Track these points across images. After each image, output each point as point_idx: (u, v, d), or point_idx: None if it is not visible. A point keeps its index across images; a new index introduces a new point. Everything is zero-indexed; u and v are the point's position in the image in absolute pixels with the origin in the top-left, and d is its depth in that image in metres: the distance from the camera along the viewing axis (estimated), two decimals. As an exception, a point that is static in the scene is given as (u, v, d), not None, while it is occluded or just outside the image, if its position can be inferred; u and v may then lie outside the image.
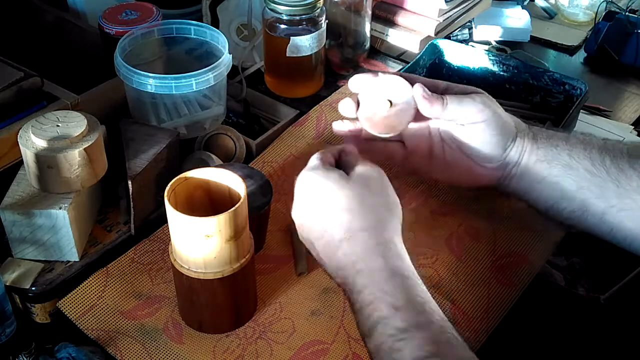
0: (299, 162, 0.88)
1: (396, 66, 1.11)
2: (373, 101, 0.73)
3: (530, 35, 1.23)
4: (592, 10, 1.28)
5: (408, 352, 0.54)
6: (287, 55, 0.97)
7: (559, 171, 0.72)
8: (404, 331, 0.55)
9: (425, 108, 0.71)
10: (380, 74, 0.74)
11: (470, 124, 0.72)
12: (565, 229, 0.79)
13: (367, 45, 1.11)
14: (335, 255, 0.63)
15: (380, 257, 0.61)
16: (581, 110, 0.99)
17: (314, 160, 0.68)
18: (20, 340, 0.68)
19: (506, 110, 0.98)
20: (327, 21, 0.99)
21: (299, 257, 0.76)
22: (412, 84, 0.72)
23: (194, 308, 0.68)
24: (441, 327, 0.57)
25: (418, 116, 0.73)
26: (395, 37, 1.13)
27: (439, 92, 0.73)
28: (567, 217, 0.74)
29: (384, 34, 1.13)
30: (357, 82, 0.74)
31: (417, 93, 0.71)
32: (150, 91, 0.81)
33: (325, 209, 0.64)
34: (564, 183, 0.72)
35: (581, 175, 0.71)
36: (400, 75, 0.74)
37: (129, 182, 0.73)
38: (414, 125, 0.75)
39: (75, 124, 0.71)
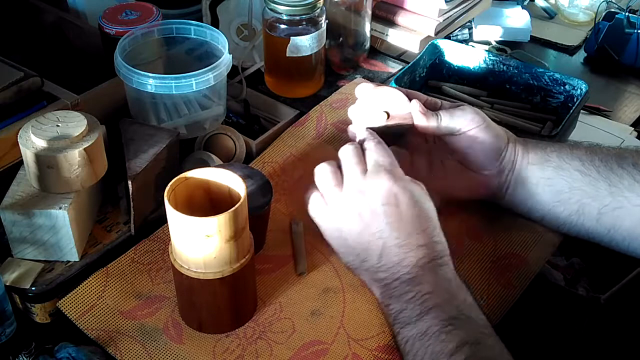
0: (299, 162, 0.88)
1: (396, 66, 1.11)
2: (371, 111, 0.75)
3: (530, 35, 1.24)
4: (592, 10, 1.28)
5: (457, 335, 0.60)
6: (287, 55, 0.97)
7: (551, 173, 0.74)
8: (454, 318, 0.62)
9: (421, 123, 0.74)
10: (381, 86, 0.76)
11: (465, 132, 0.75)
12: (564, 234, 0.79)
13: (367, 45, 1.11)
14: (399, 254, 0.66)
15: (450, 264, 0.67)
16: (581, 111, 0.99)
17: (397, 168, 0.68)
18: (20, 340, 0.68)
19: (506, 110, 0.99)
20: (327, 21, 0.99)
21: (299, 257, 0.76)
22: (411, 100, 0.75)
23: (194, 308, 0.68)
24: (484, 320, 0.63)
25: (416, 131, 0.75)
26: (395, 37, 1.13)
27: (436, 109, 0.76)
28: (563, 222, 0.75)
29: (384, 34, 1.13)
30: (359, 91, 0.76)
31: (414, 109, 0.73)
32: (150, 91, 0.81)
33: (415, 218, 0.66)
34: (557, 185, 0.74)
35: (573, 175, 0.73)
36: (401, 91, 0.76)
37: (129, 182, 0.73)
38: (412, 140, 0.76)
39: (75, 124, 0.71)
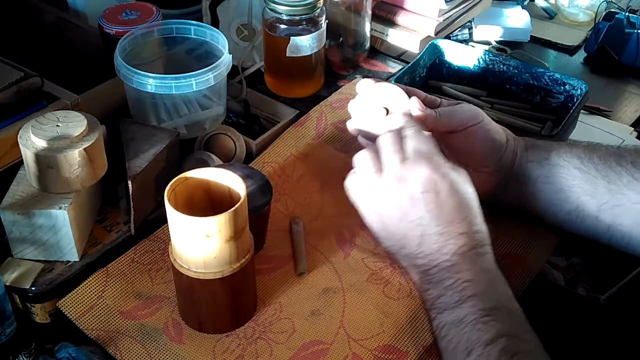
0: (299, 162, 0.88)
1: (396, 66, 1.11)
2: (370, 107, 0.75)
3: (530, 35, 1.24)
4: (592, 10, 1.28)
5: (494, 326, 0.60)
6: (287, 55, 0.97)
7: (550, 171, 0.74)
8: (493, 309, 0.61)
9: (420, 120, 0.73)
10: (381, 82, 0.76)
11: (464, 129, 0.75)
12: (563, 234, 0.79)
13: (367, 45, 1.11)
14: (439, 241, 0.65)
15: (490, 253, 0.67)
16: (581, 111, 0.99)
17: (437, 155, 0.67)
18: (20, 340, 0.68)
19: (506, 110, 0.99)
20: (327, 21, 0.99)
21: (299, 257, 0.76)
22: (410, 97, 0.74)
23: (194, 308, 0.68)
24: (521, 313, 0.63)
25: None
26: (395, 37, 1.13)
27: (435, 107, 0.75)
28: (563, 220, 0.75)
29: (384, 34, 1.13)
30: (360, 87, 0.76)
31: (412, 106, 0.73)
32: (150, 91, 0.81)
33: (458, 204, 0.66)
34: (556, 183, 0.74)
35: (571, 173, 0.73)
36: (401, 88, 0.75)
37: (129, 182, 0.73)
38: None
39: (75, 124, 0.71)
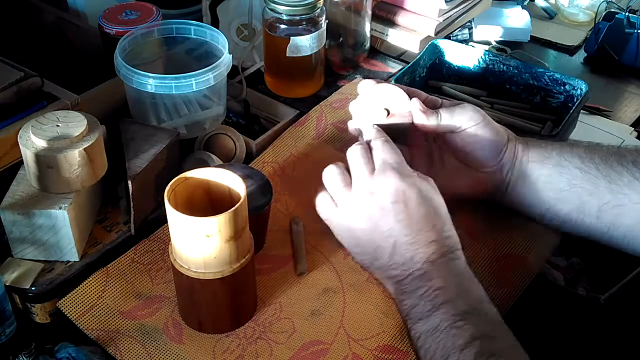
0: (299, 162, 0.88)
1: (396, 66, 1.11)
2: (371, 108, 0.75)
3: (530, 35, 1.24)
4: (592, 10, 1.28)
5: (467, 330, 0.60)
6: (287, 55, 0.97)
7: (551, 170, 0.74)
8: (466, 312, 0.62)
9: (421, 121, 0.74)
10: (382, 83, 0.76)
11: (464, 129, 0.75)
12: (564, 234, 0.79)
13: (367, 45, 1.11)
14: (410, 250, 0.66)
15: (461, 258, 0.68)
16: (581, 111, 0.99)
17: (404, 165, 0.69)
18: (20, 340, 0.68)
19: (506, 110, 0.99)
20: (327, 21, 0.99)
21: (299, 257, 0.76)
22: (411, 98, 0.75)
23: (194, 308, 0.68)
24: (496, 313, 0.64)
25: (416, 129, 0.75)
26: (395, 37, 1.13)
27: (436, 107, 0.76)
28: (564, 220, 0.75)
29: (384, 34, 1.13)
30: (361, 87, 0.76)
31: (414, 107, 0.74)
32: (150, 91, 0.81)
33: (425, 214, 0.67)
34: (557, 182, 0.74)
35: (572, 173, 0.73)
36: (402, 89, 0.76)
37: (129, 182, 0.73)
38: (412, 138, 0.77)
39: (75, 124, 0.71)
